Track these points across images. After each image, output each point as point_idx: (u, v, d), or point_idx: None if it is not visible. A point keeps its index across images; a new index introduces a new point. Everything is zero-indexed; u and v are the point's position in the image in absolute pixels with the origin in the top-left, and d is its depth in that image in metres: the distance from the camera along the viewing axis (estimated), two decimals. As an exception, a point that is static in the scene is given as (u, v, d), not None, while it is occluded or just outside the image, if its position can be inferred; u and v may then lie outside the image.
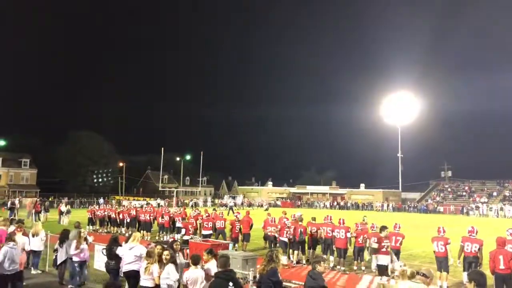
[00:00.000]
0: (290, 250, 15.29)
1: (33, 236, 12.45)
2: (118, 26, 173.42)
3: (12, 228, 12.05)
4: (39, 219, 28.16)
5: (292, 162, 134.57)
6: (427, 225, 31.16)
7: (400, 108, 78.41)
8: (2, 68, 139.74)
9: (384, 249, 12.48)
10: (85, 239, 11.15)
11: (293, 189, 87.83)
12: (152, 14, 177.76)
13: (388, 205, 66.36)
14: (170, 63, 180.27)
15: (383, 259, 12.40)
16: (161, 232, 21.64)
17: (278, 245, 15.67)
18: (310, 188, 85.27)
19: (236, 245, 14.19)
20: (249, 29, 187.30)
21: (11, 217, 21.52)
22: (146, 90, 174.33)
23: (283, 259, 14.56)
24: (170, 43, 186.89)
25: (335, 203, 71.25)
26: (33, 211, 30.65)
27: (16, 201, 35.19)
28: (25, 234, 12.19)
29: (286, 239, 15.25)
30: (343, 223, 14.57)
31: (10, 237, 9.43)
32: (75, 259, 10.81)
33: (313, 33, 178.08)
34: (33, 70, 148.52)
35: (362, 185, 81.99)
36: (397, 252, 13.07)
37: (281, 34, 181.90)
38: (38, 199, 39.38)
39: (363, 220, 17.14)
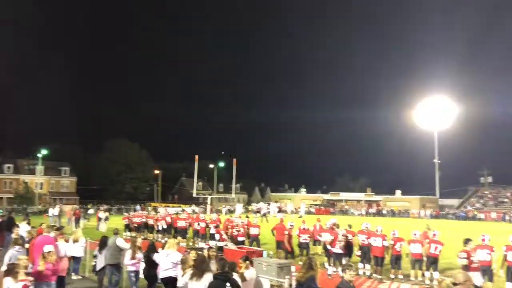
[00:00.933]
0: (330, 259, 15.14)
1: (73, 242, 12.81)
2: (158, 37, 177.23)
3: (52, 234, 12.39)
4: (79, 226, 28.95)
5: (326, 169, 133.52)
6: (467, 233, 30.14)
7: (436, 112, 76.51)
8: (41, 81, 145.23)
9: (475, 265, 10.93)
10: (139, 248, 10.84)
11: (327, 196, 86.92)
12: (187, 25, 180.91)
13: (425, 212, 64.71)
14: (203, 72, 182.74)
15: (475, 278, 10.06)
16: (195, 239, 21.85)
17: (327, 255, 15.34)
18: (344, 195, 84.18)
19: (271, 252, 14.12)
20: (286, 31, 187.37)
21: (52, 224, 22.19)
22: (180, 98, 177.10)
23: (329, 269, 14.42)
24: (199, 52, 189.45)
25: (370, 210, 70.02)
26: (73, 218, 31.53)
27: (57, 208, 36.27)
28: (65, 240, 12.55)
29: (339, 250, 14.77)
30: (380, 231, 14.33)
31: (16, 242, 10.22)
32: (130, 268, 10.59)
33: (352, 36, 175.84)
34: (71, 82, 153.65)
35: (398, 192, 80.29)
36: (434, 260, 12.75)
37: (320, 36, 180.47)
38: (77, 206, 40.52)
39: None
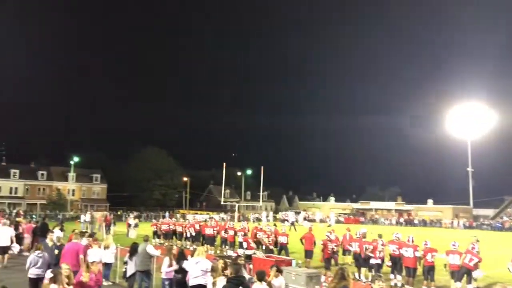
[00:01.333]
0: (362, 269, 14.88)
1: (104, 248, 13.00)
2: (183, 47, 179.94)
3: (84, 241, 12.59)
4: (109, 232, 29.41)
5: (355, 177, 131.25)
6: (504, 244, 29.14)
7: (469, 120, 74.44)
8: (75, 89, 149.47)
9: None
10: (174, 255, 10.58)
11: (357, 205, 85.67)
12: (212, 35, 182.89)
13: (458, 222, 62.90)
14: (231, 80, 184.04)
15: None
16: (223, 247, 21.85)
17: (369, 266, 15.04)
18: (374, 204, 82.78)
19: (300, 261, 13.98)
20: (318, 37, 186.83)
21: (83, 230, 22.62)
22: (207, 106, 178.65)
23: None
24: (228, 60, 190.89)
25: (401, 220, 68.54)
26: (104, 224, 32.08)
27: (88, 215, 36.99)
28: (99, 246, 12.75)
29: (379, 261, 14.40)
30: (412, 241, 13.99)
31: (37, 247, 10.77)
32: (166, 276, 10.41)
33: (378, 39, 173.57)
34: (105, 91, 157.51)
35: (430, 201, 78.44)
36: (468, 272, 12.40)
37: (346, 39, 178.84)
38: (108, 213, 41.23)
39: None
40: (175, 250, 10.76)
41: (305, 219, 58.32)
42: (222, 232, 21.87)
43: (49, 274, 7.81)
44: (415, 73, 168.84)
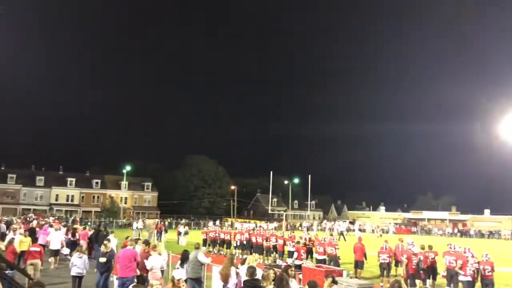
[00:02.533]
0: (417, 281, 14.39)
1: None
2: (232, 56, 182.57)
3: (138, 248, 12.87)
4: (160, 240, 30.06)
5: (406, 185, 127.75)
6: None
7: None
8: (127, 99, 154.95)
9: None
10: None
11: (408, 215, 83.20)
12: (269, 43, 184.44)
13: (518, 234, 59.63)
14: (277, 89, 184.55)
15: None
16: (272, 255, 21.74)
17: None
18: (426, 214, 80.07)
19: (351, 272, 13.67)
20: (363, 44, 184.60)
21: (136, 238, 23.24)
22: (255, 115, 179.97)
23: None
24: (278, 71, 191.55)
25: (456, 231, 65.74)
26: (155, 231, 32.85)
27: (141, 222, 38.06)
28: (159, 253, 12.95)
29: (469, 278, 12.91)
30: (468, 252, 13.38)
31: (78, 249, 12.83)
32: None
33: (429, 43, 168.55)
34: (153, 100, 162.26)
35: (487, 211, 74.88)
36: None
37: (403, 45, 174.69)
38: (159, 220, 42.22)
39: None
40: (236, 259, 10.50)
41: (360, 230, 57.13)
42: (272, 241, 21.79)
43: None
44: (468, 78, 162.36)
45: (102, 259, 11.84)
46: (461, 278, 13.11)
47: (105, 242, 12.98)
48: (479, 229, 65.57)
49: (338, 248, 17.19)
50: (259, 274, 8.72)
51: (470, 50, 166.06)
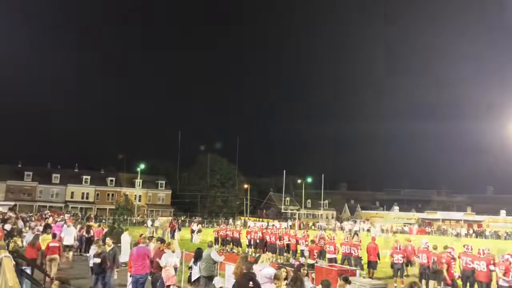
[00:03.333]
0: (431, 282, 14.25)
1: (170, 253, 13.33)
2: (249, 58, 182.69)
3: (152, 245, 12.95)
4: (174, 238, 30.24)
5: (421, 185, 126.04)
6: None
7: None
8: (142, 100, 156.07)
9: None
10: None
11: (422, 215, 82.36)
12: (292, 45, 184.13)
13: (536, 236, 58.62)
14: (292, 88, 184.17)
15: None
16: (285, 254, 21.74)
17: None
18: (441, 214, 79.23)
19: (364, 272, 13.61)
20: (376, 45, 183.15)
21: (150, 235, 23.42)
22: (269, 114, 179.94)
23: None
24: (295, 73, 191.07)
25: (471, 231, 64.88)
26: (169, 229, 33.07)
27: (155, 220, 38.33)
28: (173, 251, 13.03)
29: (507, 284, 12.03)
30: (484, 253, 13.19)
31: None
32: None
33: (449, 41, 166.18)
34: (168, 101, 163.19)
35: (503, 212, 73.81)
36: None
37: (424, 45, 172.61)
38: (172, 218, 42.49)
39: None
40: (250, 258, 10.53)
41: (383, 231, 56.56)
42: (285, 240, 21.79)
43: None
44: (488, 77, 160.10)
45: (97, 260, 11.55)
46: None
47: (99, 242, 12.97)
48: (495, 230, 64.63)
49: (360, 249, 17.11)
50: (271, 273, 8.74)
51: (489, 49, 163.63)
